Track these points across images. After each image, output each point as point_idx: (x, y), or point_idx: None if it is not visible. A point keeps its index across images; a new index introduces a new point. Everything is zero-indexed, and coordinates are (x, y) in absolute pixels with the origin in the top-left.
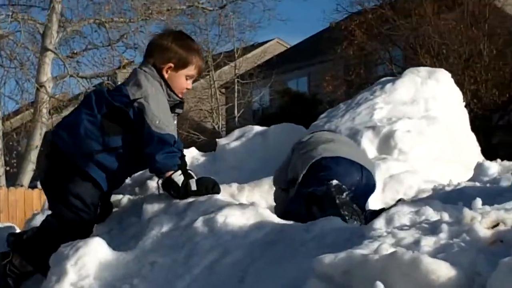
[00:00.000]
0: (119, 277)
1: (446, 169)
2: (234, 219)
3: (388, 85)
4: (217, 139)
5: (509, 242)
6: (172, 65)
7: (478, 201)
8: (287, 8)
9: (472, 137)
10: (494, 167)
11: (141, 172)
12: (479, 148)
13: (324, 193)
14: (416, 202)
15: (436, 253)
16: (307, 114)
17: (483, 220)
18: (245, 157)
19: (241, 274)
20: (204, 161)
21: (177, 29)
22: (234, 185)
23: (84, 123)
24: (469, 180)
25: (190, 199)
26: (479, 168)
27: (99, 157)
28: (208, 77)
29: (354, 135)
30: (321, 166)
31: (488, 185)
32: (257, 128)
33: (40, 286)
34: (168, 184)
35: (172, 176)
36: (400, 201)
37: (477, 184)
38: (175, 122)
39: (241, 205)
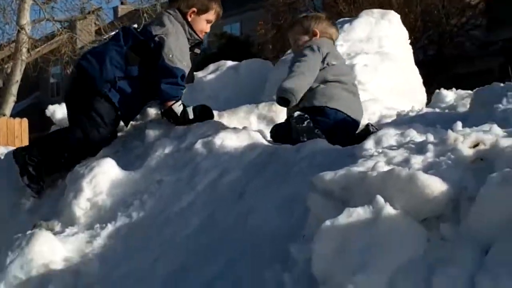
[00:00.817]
0: (129, 194)
1: (400, 98)
2: (230, 141)
3: (347, 25)
4: (194, 72)
5: (489, 160)
6: (195, 9)
7: (459, 124)
8: None
9: (416, 70)
10: (450, 95)
11: None
12: (421, 80)
13: (287, 123)
14: (399, 125)
15: (426, 170)
16: (241, 54)
17: (465, 141)
18: (220, 88)
19: (240, 191)
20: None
21: None
22: (215, 112)
23: (111, 52)
24: (429, 106)
25: (190, 126)
26: (437, 96)
27: (120, 83)
28: None
29: None
30: (323, 112)
31: (446, 111)
32: (230, 63)
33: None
34: (168, 112)
35: (173, 106)
36: (368, 125)
37: (437, 110)
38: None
39: (234, 129)
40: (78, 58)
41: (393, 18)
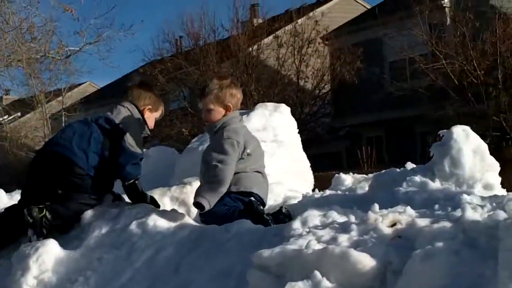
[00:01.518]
0: (73, 271)
1: (295, 180)
2: (162, 221)
3: (244, 116)
4: None
5: (406, 237)
6: (150, 107)
7: (376, 206)
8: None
9: (304, 155)
10: (348, 179)
11: None
12: (309, 164)
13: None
14: (321, 207)
15: (354, 247)
16: None
17: (384, 221)
18: None
19: (175, 266)
20: None
21: (144, 80)
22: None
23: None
24: (330, 189)
25: (121, 207)
26: (336, 180)
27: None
28: (41, 110)
29: None
30: (252, 195)
31: (347, 193)
32: None
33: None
34: (132, 188)
35: (136, 182)
36: (281, 207)
37: (338, 192)
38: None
39: (164, 211)
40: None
41: (285, 110)
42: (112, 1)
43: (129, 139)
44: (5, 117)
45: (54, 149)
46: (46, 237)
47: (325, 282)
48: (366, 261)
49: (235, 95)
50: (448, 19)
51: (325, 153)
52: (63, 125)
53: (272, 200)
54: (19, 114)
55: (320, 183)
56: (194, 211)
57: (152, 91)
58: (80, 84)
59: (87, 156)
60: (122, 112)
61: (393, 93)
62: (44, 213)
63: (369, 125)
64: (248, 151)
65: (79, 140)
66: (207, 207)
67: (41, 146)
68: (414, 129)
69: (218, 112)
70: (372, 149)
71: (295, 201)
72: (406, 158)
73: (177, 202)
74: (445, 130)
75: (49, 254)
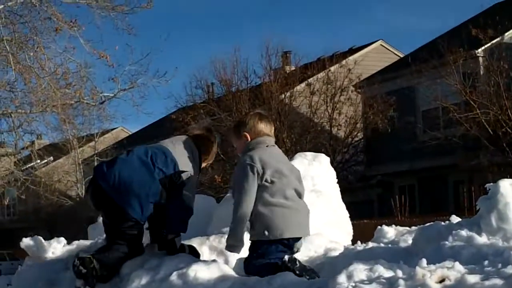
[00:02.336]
0: None
1: (335, 230)
2: (203, 273)
3: None
4: None
5: None
6: (207, 158)
7: (423, 261)
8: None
9: (343, 205)
10: (391, 231)
11: None
12: (348, 214)
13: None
14: (365, 260)
15: None
16: None
17: (432, 277)
18: None
19: None
20: None
21: (207, 126)
22: None
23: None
24: (372, 241)
25: (162, 257)
26: (379, 232)
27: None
28: (73, 154)
29: None
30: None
31: (389, 245)
32: None
33: None
34: (170, 243)
35: (176, 239)
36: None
37: (381, 245)
38: None
39: (205, 261)
40: None
41: (324, 160)
42: (147, 48)
43: (187, 192)
44: (37, 161)
45: (110, 194)
46: None
47: None
48: None
49: (251, 123)
50: (482, 69)
51: (357, 201)
52: None
53: (313, 251)
54: (51, 158)
55: (355, 232)
56: (233, 261)
57: (215, 141)
58: (112, 129)
59: (142, 208)
60: (189, 158)
61: (426, 142)
62: (93, 263)
63: (401, 174)
64: (267, 176)
65: (138, 187)
66: (234, 244)
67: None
68: (447, 178)
69: (240, 145)
70: (405, 198)
71: (337, 253)
72: (439, 207)
73: (216, 252)
74: (491, 184)
75: None
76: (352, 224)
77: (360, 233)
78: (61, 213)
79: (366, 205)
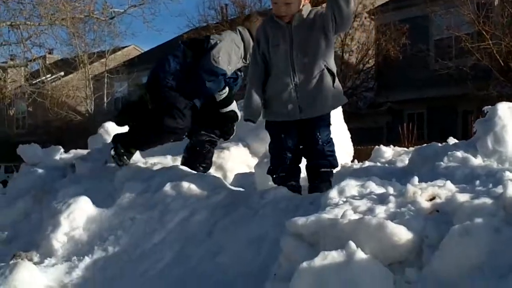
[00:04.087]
0: (105, 229)
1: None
2: (196, 184)
3: None
4: None
5: (444, 212)
6: None
7: (415, 179)
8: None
9: (345, 126)
10: (389, 151)
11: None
12: (349, 135)
13: None
14: (360, 177)
15: (391, 219)
16: None
17: (422, 194)
18: None
19: (208, 230)
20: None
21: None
22: (169, 157)
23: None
24: (370, 160)
25: (155, 168)
26: (376, 152)
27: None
28: (83, 70)
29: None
30: None
31: (386, 165)
32: None
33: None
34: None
35: (220, 93)
36: None
37: (378, 164)
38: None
39: (199, 174)
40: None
41: None
42: None
43: (214, 56)
44: (48, 76)
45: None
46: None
47: (360, 253)
48: (402, 234)
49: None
50: None
51: (366, 128)
52: (105, 86)
53: None
54: (62, 73)
55: (360, 156)
56: (231, 176)
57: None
58: (124, 47)
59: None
60: (230, 33)
61: (437, 71)
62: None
63: (411, 102)
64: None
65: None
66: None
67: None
68: (456, 107)
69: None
70: (413, 126)
71: (334, 171)
72: (447, 136)
73: (214, 166)
74: (489, 107)
75: (81, 211)
76: (359, 149)
77: (366, 158)
78: (70, 128)
79: (375, 131)
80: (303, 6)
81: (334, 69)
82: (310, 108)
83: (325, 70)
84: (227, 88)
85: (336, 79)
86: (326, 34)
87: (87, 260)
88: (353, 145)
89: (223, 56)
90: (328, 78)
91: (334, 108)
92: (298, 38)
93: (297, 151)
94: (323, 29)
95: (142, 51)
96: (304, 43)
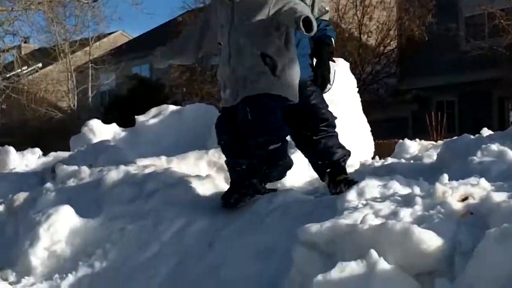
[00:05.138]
0: (90, 242)
1: (351, 146)
2: (195, 189)
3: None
4: (136, 116)
5: (479, 214)
6: None
7: (445, 177)
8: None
9: (364, 118)
10: (414, 146)
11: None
12: (369, 128)
13: None
14: (382, 176)
15: (417, 224)
16: (152, 97)
17: (453, 194)
18: (163, 133)
19: (209, 240)
20: (124, 136)
21: None
22: (163, 158)
23: None
24: (393, 156)
25: (147, 171)
26: (400, 147)
27: None
28: (65, 61)
29: None
30: None
31: (411, 161)
32: (172, 107)
33: None
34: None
35: None
36: None
37: (402, 160)
38: None
39: (198, 176)
40: None
41: (343, 65)
42: None
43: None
44: (23, 68)
45: None
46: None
47: (382, 263)
48: (431, 240)
49: None
50: None
51: (388, 119)
52: (90, 78)
53: None
54: (39, 65)
55: (382, 151)
56: None
57: None
58: (110, 33)
59: None
60: None
61: (469, 52)
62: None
63: (439, 89)
64: None
65: None
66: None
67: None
68: (490, 94)
69: None
70: (443, 115)
71: (352, 170)
72: (481, 127)
73: (215, 167)
74: None
75: (63, 222)
76: (382, 143)
77: (388, 154)
78: (50, 127)
79: (399, 123)
80: None
81: (277, 57)
82: (243, 89)
83: (259, 58)
84: None
85: (284, 69)
86: (276, 28)
87: (70, 278)
88: (374, 139)
89: None
90: (263, 67)
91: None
92: (238, 16)
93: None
94: (271, 21)
95: (131, 38)
96: (244, 23)
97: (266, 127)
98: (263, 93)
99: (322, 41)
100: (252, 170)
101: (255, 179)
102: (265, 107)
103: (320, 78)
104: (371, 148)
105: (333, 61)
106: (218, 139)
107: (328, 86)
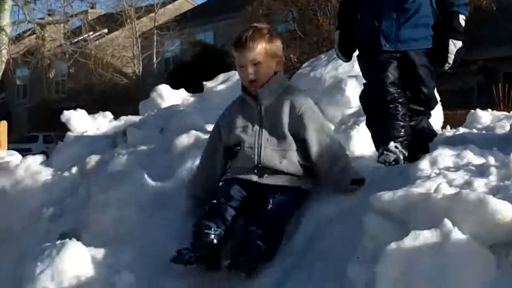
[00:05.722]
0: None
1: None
2: None
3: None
4: (204, 82)
5: None
6: None
7: None
8: None
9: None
10: (486, 116)
11: None
12: (439, 98)
13: None
14: (454, 146)
15: (493, 194)
16: (216, 63)
17: None
18: (230, 99)
19: None
20: (192, 101)
21: None
22: None
23: None
24: (464, 126)
25: None
26: (472, 117)
27: None
28: (130, 27)
29: (338, 83)
30: None
31: (484, 132)
32: None
33: None
34: None
35: None
36: None
37: (474, 131)
38: None
39: None
40: None
41: None
42: None
43: None
44: (90, 33)
45: None
46: None
47: (456, 233)
48: (506, 211)
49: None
50: None
51: (453, 89)
52: (155, 44)
53: None
54: (105, 30)
55: (450, 122)
56: None
57: None
58: (175, 0)
59: None
60: None
61: None
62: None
63: (507, 60)
64: None
65: None
66: None
67: (128, 66)
68: None
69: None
70: (510, 87)
71: None
72: None
73: None
74: None
75: (131, 186)
76: (448, 114)
77: (458, 124)
78: (116, 92)
79: (464, 94)
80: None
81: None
82: None
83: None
84: None
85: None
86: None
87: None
88: (442, 110)
89: None
90: None
91: None
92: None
93: None
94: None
95: (195, 4)
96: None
97: None
98: None
99: (452, 14)
100: None
101: None
102: None
103: (442, 57)
104: (441, 118)
105: (460, 39)
106: None
107: (446, 65)
